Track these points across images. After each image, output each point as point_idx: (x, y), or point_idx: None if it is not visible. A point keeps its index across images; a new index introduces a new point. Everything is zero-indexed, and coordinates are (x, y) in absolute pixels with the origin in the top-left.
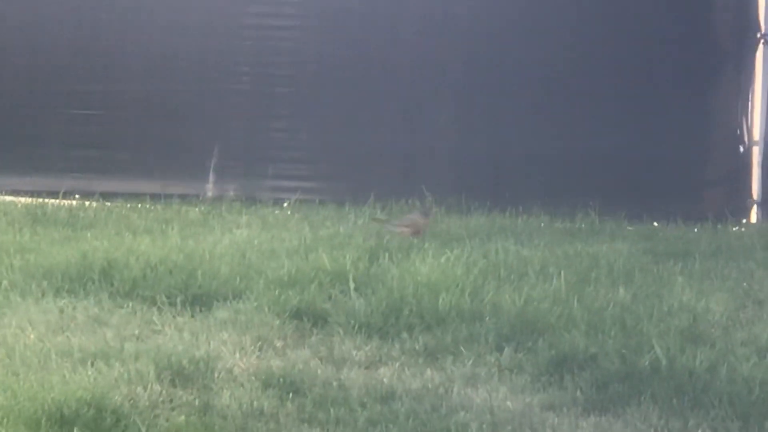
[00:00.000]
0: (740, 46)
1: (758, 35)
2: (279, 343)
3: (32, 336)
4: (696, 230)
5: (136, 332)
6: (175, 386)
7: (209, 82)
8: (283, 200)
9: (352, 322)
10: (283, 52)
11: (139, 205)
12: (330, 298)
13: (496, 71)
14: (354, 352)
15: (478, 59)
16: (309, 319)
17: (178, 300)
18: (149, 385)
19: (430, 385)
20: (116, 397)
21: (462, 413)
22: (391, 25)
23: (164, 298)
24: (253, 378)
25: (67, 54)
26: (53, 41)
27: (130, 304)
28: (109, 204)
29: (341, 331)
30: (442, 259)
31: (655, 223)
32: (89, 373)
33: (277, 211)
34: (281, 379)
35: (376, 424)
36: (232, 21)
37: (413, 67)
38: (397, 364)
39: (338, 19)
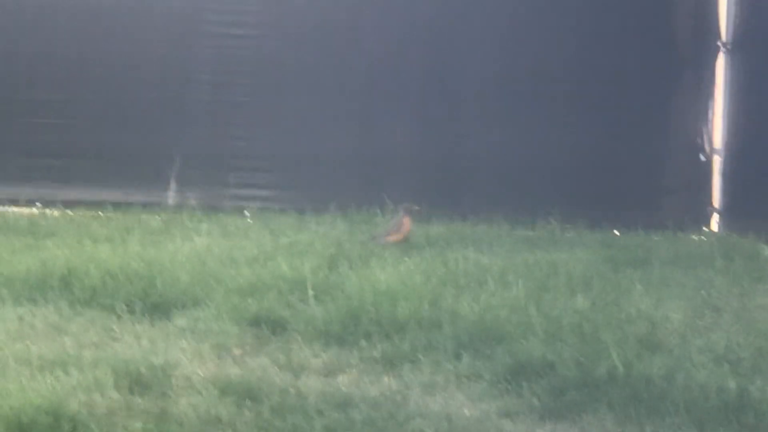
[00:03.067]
0: (701, 54)
1: (718, 43)
2: (237, 351)
3: None
4: (656, 238)
5: (95, 340)
6: (132, 393)
7: (170, 91)
8: (243, 208)
9: (311, 329)
10: (243, 60)
11: (100, 213)
12: (289, 305)
13: (455, 77)
14: (312, 360)
15: (437, 65)
16: (267, 326)
17: (137, 308)
18: (107, 393)
19: (387, 393)
20: (74, 405)
21: (419, 420)
22: (349, 32)
23: (123, 306)
24: (210, 385)
25: (27, 62)
26: (13, 49)
27: (89, 312)
28: (70, 212)
29: (300, 339)
30: (401, 267)
31: (616, 231)
32: (47, 380)
33: (237, 219)
34: (239, 387)
35: None
36: (193, 29)
37: (373, 74)
38: (355, 372)
39: (297, 26)
